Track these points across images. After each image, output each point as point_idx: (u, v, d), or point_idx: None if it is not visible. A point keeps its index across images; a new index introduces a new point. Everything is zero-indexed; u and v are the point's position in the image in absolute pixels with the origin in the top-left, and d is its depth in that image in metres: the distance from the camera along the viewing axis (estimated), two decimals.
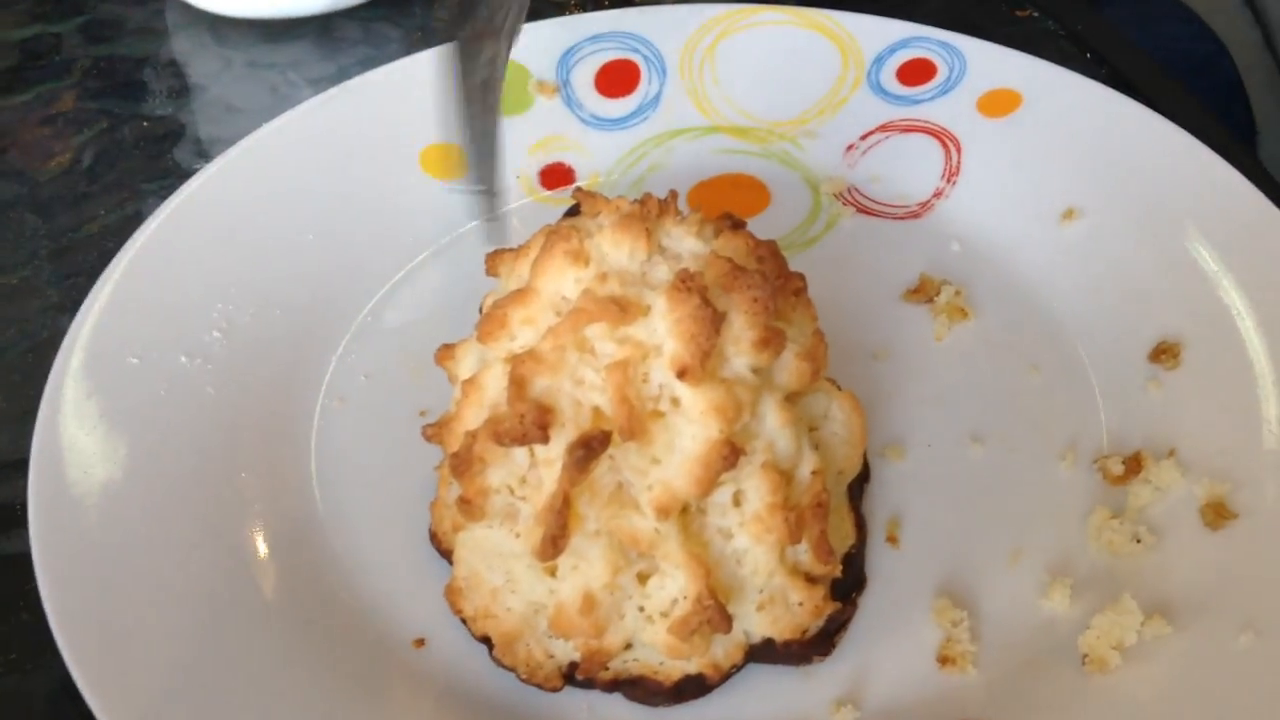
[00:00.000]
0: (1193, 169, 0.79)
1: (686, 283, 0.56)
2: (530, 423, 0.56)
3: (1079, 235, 0.79)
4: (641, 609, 0.59)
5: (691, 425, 0.56)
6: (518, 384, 0.57)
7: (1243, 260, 0.74)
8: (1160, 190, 0.79)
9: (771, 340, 0.58)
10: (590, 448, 0.55)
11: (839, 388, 0.65)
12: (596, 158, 0.87)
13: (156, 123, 0.95)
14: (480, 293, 0.77)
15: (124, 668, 0.59)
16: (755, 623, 0.61)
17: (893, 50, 0.88)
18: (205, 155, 0.90)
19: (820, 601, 0.61)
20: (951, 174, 0.85)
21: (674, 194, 0.63)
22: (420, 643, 0.64)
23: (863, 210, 0.85)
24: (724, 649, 0.62)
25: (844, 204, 0.85)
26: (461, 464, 0.59)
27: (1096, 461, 0.70)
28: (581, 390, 0.57)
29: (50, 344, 0.73)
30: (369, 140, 0.84)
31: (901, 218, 0.84)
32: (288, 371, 0.75)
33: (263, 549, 0.66)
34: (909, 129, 0.87)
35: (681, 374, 0.56)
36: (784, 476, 0.58)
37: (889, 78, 0.88)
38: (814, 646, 0.62)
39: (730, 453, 0.56)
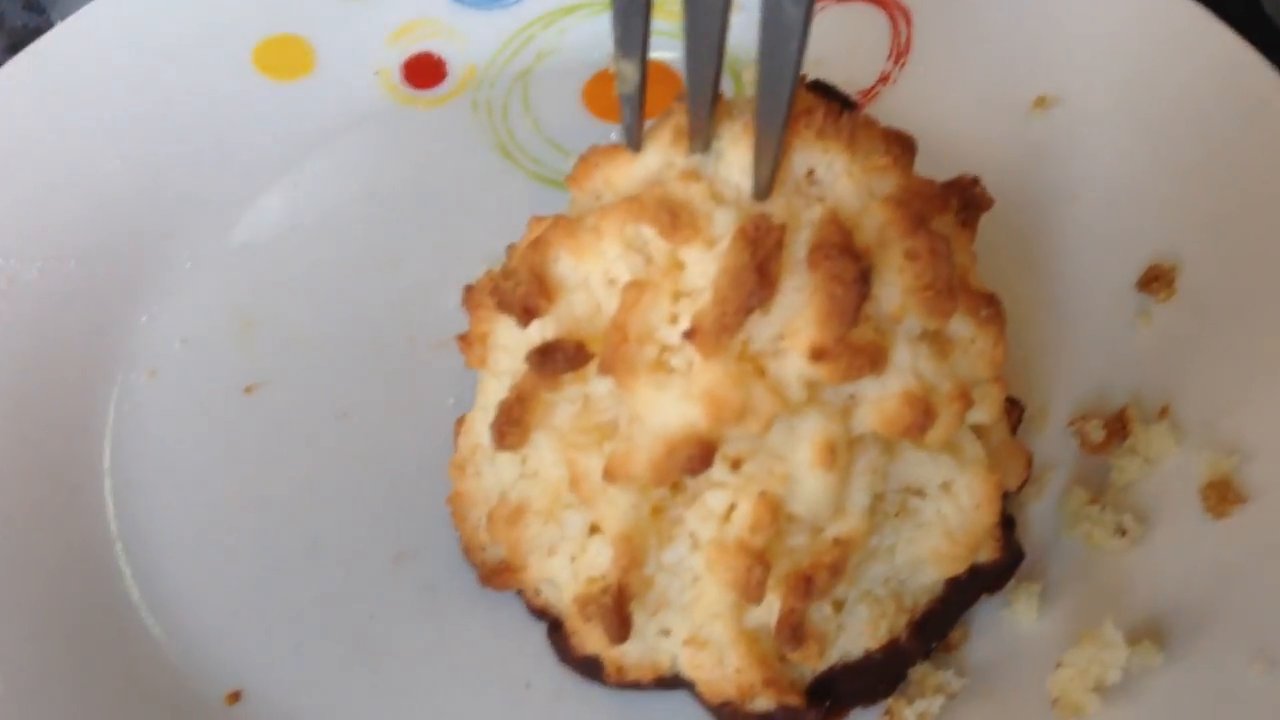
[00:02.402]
0: (1193, 43, 0.64)
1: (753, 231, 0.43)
2: (517, 294, 0.46)
3: (1052, 129, 0.66)
4: (573, 559, 0.50)
5: (679, 398, 0.44)
6: (536, 246, 0.47)
7: (1257, 159, 0.60)
8: (1153, 71, 0.64)
9: (837, 355, 0.43)
10: (551, 359, 0.46)
11: (1026, 455, 0.54)
12: (472, 45, 0.73)
13: None
14: (333, 226, 0.64)
15: None
16: (681, 655, 0.51)
17: None
18: None
19: (764, 684, 0.49)
20: (900, 54, 0.71)
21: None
22: (234, 697, 0.53)
23: None
24: (637, 657, 0.52)
25: None
26: (470, 299, 0.52)
27: (1072, 424, 0.57)
28: (609, 291, 0.46)
29: None
30: (190, 38, 0.69)
31: None
32: (85, 339, 0.62)
33: (47, 582, 0.55)
34: None
35: (693, 336, 0.44)
36: (780, 519, 0.46)
37: None
38: None
39: (699, 454, 0.44)
